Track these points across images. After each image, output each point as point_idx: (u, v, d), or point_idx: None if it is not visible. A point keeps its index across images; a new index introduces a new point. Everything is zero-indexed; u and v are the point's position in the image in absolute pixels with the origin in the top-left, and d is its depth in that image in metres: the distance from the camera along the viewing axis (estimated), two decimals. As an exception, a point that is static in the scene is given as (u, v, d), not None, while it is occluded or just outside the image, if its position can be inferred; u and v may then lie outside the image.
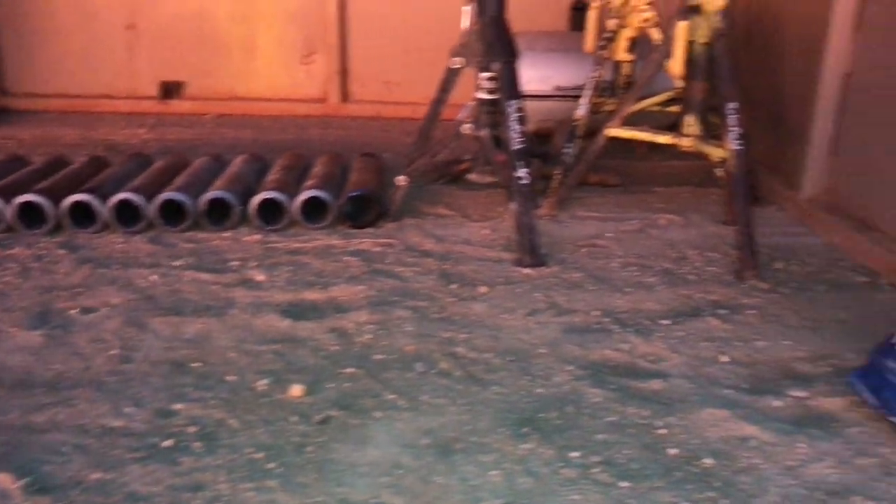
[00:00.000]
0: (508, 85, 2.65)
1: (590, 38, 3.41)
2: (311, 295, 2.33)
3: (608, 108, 3.44)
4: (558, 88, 4.13)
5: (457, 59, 2.73)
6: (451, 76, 2.76)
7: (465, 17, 2.84)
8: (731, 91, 2.62)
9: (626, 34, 3.37)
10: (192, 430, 1.67)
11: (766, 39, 3.42)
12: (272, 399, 1.79)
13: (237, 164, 3.20)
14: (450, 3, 4.64)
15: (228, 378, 1.87)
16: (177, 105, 4.85)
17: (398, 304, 2.27)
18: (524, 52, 4.07)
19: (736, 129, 2.60)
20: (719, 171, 3.22)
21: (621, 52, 3.41)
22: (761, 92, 3.41)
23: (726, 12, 2.64)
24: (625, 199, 3.29)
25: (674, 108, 3.33)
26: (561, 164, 3.23)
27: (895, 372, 1.61)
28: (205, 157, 3.28)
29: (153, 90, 4.85)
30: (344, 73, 4.84)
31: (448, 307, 2.26)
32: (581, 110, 3.29)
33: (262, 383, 1.85)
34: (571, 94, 4.11)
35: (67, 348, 2.00)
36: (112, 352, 1.99)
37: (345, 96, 4.88)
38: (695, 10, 2.69)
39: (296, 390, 1.81)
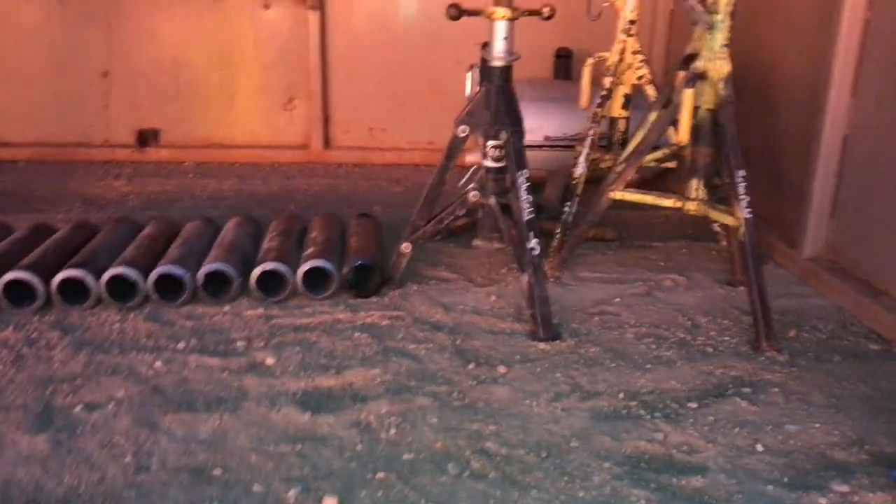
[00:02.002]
0: (516, 154, 2.61)
1: (584, 95, 3.40)
2: (326, 381, 2.25)
3: (605, 164, 3.43)
4: (548, 138, 4.14)
5: (463, 128, 2.68)
6: (456, 144, 2.71)
7: (469, 84, 2.80)
8: (739, 159, 2.62)
9: (622, 91, 3.38)
10: (225, 556, 1.58)
11: (759, 93, 3.44)
12: (304, 512, 1.71)
13: (231, 229, 3.10)
14: (433, 48, 4.66)
15: (255, 488, 1.78)
16: (154, 153, 4.73)
17: (417, 391, 2.20)
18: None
19: (746, 197, 2.59)
20: (716, 226, 3.23)
21: (617, 109, 3.41)
22: (755, 144, 3.42)
23: (731, 79, 2.65)
24: (624, 256, 3.28)
25: (669, 164, 3.35)
26: (562, 223, 3.21)
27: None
28: (196, 222, 3.17)
29: (129, 138, 4.72)
30: (326, 119, 4.78)
31: (469, 392, 2.20)
32: (579, 169, 3.26)
33: (292, 494, 1.76)
34: (561, 144, 4.13)
35: (77, 455, 1.88)
36: (126, 459, 1.88)
37: (327, 143, 4.81)
38: (701, 77, 2.69)
39: (329, 502, 1.72)
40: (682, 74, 3.05)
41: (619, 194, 2.91)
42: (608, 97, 3.31)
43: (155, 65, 4.64)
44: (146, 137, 4.73)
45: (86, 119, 4.68)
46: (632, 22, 3.28)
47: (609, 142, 3.47)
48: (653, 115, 3.26)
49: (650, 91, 3.36)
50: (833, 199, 2.97)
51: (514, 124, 2.63)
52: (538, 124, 4.07)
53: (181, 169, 4.60)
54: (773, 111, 3.40)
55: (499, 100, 2.63)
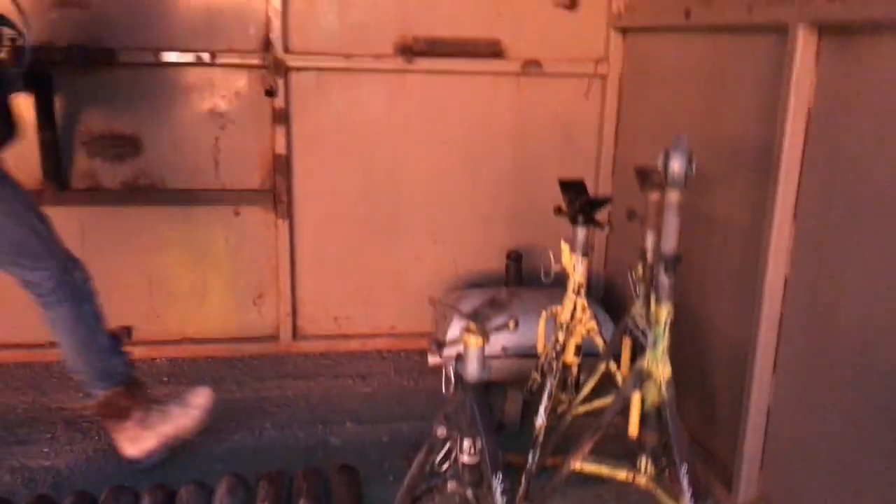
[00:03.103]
0: (492, 459, 2.94)
1: (541, 342, 3.80)
2: None
3: (562, 406, 3.82)
4: (505, 349, 4.51)
5: (441, 430, 3.01)
6: (435, 444, 3.03)
7: (444, 379, 3.14)
8: (683, 453, 3.02)
9: (573, 342, 3.79)
10: None
11: (691, 345, 3.89)
12: None
13: (223, 496, 3.35)
14: (393, 245, 5.03)
15: None
16: (128, 350, 4.90)
17: None
18: (468, 314, 4.39)
19: (689, 490, 2.99)
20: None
21: (570, 357, 3.81)
22: (689, 368, 3.82)
23: (672, 381, 3.06)
24: (579, 498, 3.64)
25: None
26: (525, 471, 3.56)
27: None
28: (190, 487, 3.41)
29: (102, 337, 4.89)
30: (294, 312, 5.06)
31: None
32: (539, 420, 3.63)
33: None
34: (518, 354, 4.50)
35: None
36: None
37: (295, 334, 5.08)
38: (647, 375, 3.10)
39: None
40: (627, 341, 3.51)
41: (578, 465, 3.28)
42: (562, 351, 3.71)
43: (125, 267, 4.84)
44: (119, 337, 4.91)
45: (59, 321, 4.84)
46: (581, 285, 3.70)
47: (564, 384, 3.86)
48: (602, 366, 3.70)
49: (598, 341, 3.77)
50: (761, 459, 3.41)
51: (489, 433, 2.97)
52: (495, 336, 4.43)
53: (155, 369, 4.80)
54: (706, 372, 3.84)
55: (473, 409, 2.97)
